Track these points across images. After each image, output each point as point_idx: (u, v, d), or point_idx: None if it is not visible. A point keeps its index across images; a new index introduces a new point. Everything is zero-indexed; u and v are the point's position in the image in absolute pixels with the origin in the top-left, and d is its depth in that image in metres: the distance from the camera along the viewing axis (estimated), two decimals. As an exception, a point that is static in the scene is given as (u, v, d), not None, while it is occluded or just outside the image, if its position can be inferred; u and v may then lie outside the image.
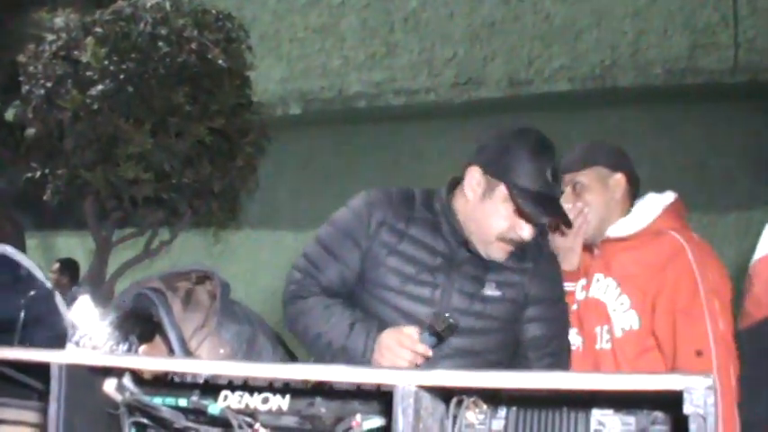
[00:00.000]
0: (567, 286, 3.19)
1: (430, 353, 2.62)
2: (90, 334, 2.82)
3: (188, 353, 2.92)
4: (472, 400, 1.56)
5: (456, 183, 2.93)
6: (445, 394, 1.55)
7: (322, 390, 1.72)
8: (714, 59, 9.91)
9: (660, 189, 9.15)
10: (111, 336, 2.83)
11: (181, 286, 3.05)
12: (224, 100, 8.13)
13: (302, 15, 11.70)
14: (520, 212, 2.74)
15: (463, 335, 2.74)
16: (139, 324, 2.91)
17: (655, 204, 3.22)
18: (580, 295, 3.20)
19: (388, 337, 2.64)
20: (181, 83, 7.84)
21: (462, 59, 10.90)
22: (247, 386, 1.81)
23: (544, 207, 2.72)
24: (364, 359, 2.64)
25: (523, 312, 2.90)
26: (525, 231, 2.76)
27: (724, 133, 9.76)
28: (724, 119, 9.77)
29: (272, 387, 1.78)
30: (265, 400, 1.77)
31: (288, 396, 1.76)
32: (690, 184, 9.85)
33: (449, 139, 10.76)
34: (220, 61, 8.11)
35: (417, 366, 2.60)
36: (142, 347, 2.84)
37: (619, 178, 3.25)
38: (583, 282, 3.21)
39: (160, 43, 7.86)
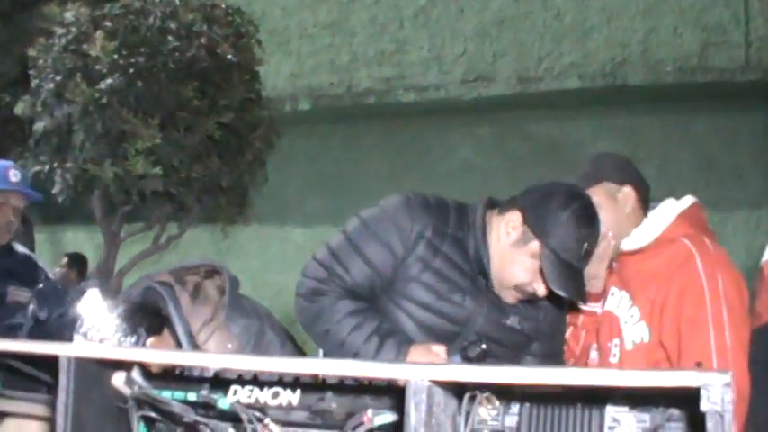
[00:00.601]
0: (590, 307, 3.18)
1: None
2: (97, 326, 2.81)
3: (196, 346, 2.91)
4: (485, 395, 1.55)
5: (492, 204, 2.91)
6: (458, 389, 1.53)
7: (332, 385, 1.71)
8: (725, 58, 9.89)
9: (670, 186, 9.15)
10: (119, 328, 2.82)
11: (189, 280, 3.05)
12: (233, 95, 8.12)
13: (312, 11, 11.70)
14: (543, 273, 2.72)
15: None
16: (148, 317, 2.90)
17: (668, 212, 3.16)
18: (600, 311, 3.18)
19: (417, 357, 2.61)
20: (190, 77, 7.83)
21: (472, 56, 10.88)
22: (257, 381, 1.79)
23: (567, 279, 2.71)
24: None
25: (529, 344, 2.91)
26: (540, 290, 2.75)
27: (734, 131, 9.74)
28: (734, 117, 9.74)
29: (282, 382, 1.77)
30: (275, 395, 1.76)
31: (298, 391, 1.75)
32: (700, 181, 9.84)
33: (458, 135, 10.75)
34: (229, 56, 8.10)
35: None
36: (150, 340, 2.84)
37: (627, 192, 3.17)
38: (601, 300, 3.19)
39: (169, 38, 7.85)
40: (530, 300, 2.87)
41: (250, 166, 8.56)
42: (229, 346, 2.99)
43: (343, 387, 1.70)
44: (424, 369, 1.47)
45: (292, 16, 11.78)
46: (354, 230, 2.82)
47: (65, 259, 9.57)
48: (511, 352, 2.87)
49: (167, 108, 7.75)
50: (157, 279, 3.04)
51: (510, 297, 2.80)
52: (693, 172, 9.95)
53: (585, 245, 2.74)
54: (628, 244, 3.13)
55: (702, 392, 1.29)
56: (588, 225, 2.76)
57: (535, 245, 2.72)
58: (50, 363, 1.84)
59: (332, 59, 11.51)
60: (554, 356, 3.00)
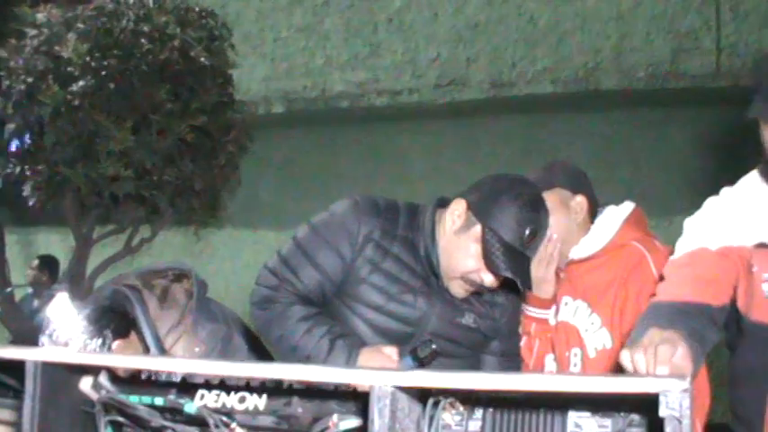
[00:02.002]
0: (541, 314, 3.19)
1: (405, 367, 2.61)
2: (64, 329, 2.81)
3: (163, 351, 2.92)
4: (449, 401, 1.56)
5: (443, 203, 2.92)
6: (422, 395, 1.55)
7: (299, 389, 1.72)
8: (696, 64, 9.96)
9: (642, 190, 9.23)
10: (85, 330, 2.82)
11: (157, 284, 3.05)
12: (206, 98, 8.10)
13: (286, 14, 11.68)
14: (486, 257, 2.71)
15: None
16: (115, 319, 2.90)
17: (614, 218, 3.20)
18: (552, 321, 3.20)
19: (368, 358, 2.60)
20: (163, 80, 7.80)
21: (446, 61, 10.90)
22: (224, 385, 1.80)
23: (510, 261, 2.68)
24: None
25: (487, 343, 2.91)
26: (487, 279, 2.73)
27: (706, 136, 9.80)
28: (706, 122, 9.81)
29: (249, 386, 1.78)
30: (242, 400, 1.77)
31: (265, 395, 1.75)
32: (672, 186, 9.91)
33: (431, 139, 10.77)
34: (203, 59, 8.07)
35: None
36: (117, 343, 2.84)
37: (580, 200, 3.22)
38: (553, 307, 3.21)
39: (142, 40, 7.82)
40: (487, 299, 2.87)
41: (223, 170, 8.54)
42: (197, 350, 3.00)
43: (309, 392, 1.71)
44: (388, 375, 1.49)
45: (266, 19, 11.76)
46: (304, 237, 2.84)
47: (36, 262, 9.52)
48: (469, 351, 2.87)
49: (140, 110, 7.72)
50: (125, 282, 3.04)
51: (459, 289, 2.78)
52: (666, 177, 10.01)
53: (529, 229, 2.71)
54: (578, 252, 3.16)
55: (661, 398, 1.32)
56: (532, 209, 2.75)
57: (478, 228, 2.71)
58: (17, 367, 1.84)
59: (306, 63, 11.49)
60: (514, 355, 3.02)
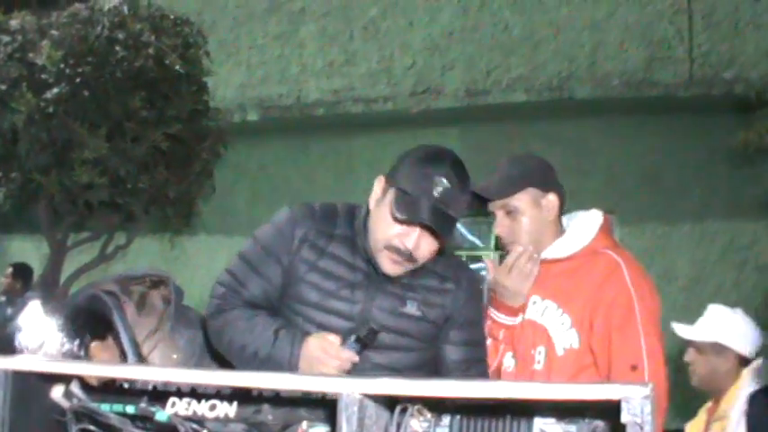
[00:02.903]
0: (509, 321, 3.22)
1: (356, 358, 2.60)
2: (38, 330, 2.81)
3: (140, 356, 2.92)
4: (416, 408, 1.58)
5: None
6: (389, 402, 1.56)
7: (269, 397, 1.73)
8: (669, 73, 10.03)
9: (616, 198, 9.24)
10: (62, 329, 2.82)
11: (135, 290, 3.05)
12: (181, 106, 8.09)
13: (262, 22, 11.68)
14: (393, 213, 2.71)
15: (383, 351, 2.74)
16: (92, 321, 2.91)
17: (590, 224, 3.24)
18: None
19: (313, 347, 2.60)
20: (137, 88, 7.80)
21: (421, 68, 10.93)
22: (195, 393, 1.81)
23: (416, 210, 2.66)
24: (290, 367, 2.59)
25: (445, 334, 2.90)
26: (409, 240, 2.71)
27: (679, 145, 9.87)
28: (679, 131, 9.88)
29: (219, 394, 1.78)
30: (213, 407, 1.78)
31: (235, 403, 1.76)
32: (645, 194, 9.97)
33: (406, 147, 10.72)
34: (178, 67, 8.07)
35: (348, 373, 2.59)
36: (94, 344, 2.85)
37: (552, 199, 3.21)
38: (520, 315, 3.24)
39: (117, 47, 7.80)
40: (434, 286, 2.85)
41: (197, 177, 8.54)
42: (174, 356, 3.00)
43: (278, 399, 1.72)
44: (355, 383, 1.50)
45: (242, 27, 11.75)
46: (247, 248, 2.91)
47: (9, 269, 9.46)
48: (424, 343, 2.86)
49: (114, 118, 7.71)
50: (103, 288, 3.05)
51: (387, 263, 2.75)
52: (639, 184, 10.07)
53: (435, 179, 2.68)
54: (550, 253, 3.19)
55: (623, 405, 1.34)
56: (432, 162, 2.73)
57: (391, 192, 2.73)
58: (-13, 376, 1.84)
59: (281, 70, 11.49)
60: (476, 345, 2.98)
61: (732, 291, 9.56)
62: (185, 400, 1.81)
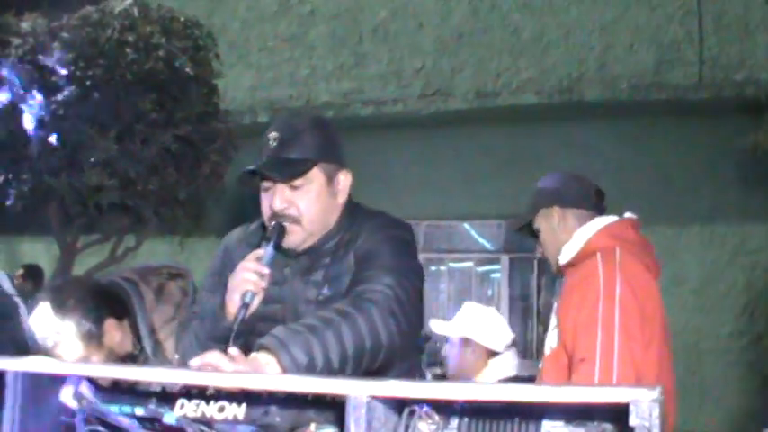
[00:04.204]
0: None
1: (261, 252, 2.60)
2: (47, 336, 2.83)
3: (157, 343, 2.96)
4: (425, 410, 1.58)
5: None
6: (398, 404, 1.56)
7: (277, 399, 1.73)
8: (679, 75, 10.02)
9: (626, 200, 9.23)
10: (79, 304, 2.85)
11: (153, 279, 3.11)
12: (191, 108, 8.12)
13: (271, 24, 11.70)
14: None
15: None
16: (109, 302, 2.94)
17: (589, 228, 3.40)
18: None
19: (235, 276, 2.59)
20: (147, 90, 7.82)
21: (430, 71, 10.94)
22: (204, 394, 1.81)
23: (257, 161, 2.74)
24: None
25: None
26: (274, 201, 2.72)
27: (688, 147, 9.86)
28: (688, 133, 9.87)
29: (228, 395, 1.79)
30: (221, 409, 1.78)
31: (244, 404, 1.77)
32: (655, 196, 9.95)
33: (416, 149, 10.78)
34: (188, 69, 8.09)
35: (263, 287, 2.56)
36: (109, 320, 2.88)
37: (555, 211, 3.50)
38: None
39: (127, 50, 7.83)
40: (338, 251, 2.79)
41: (207, 179, 8.56)
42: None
43: (287, 401, 1.72)
44: (364, 384, 1.51)
45: (252, 29, 11.77)
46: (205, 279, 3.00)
47: (20, 270, 9.50)
48: None
49: (124, 120, 7.73)
50: (122, 276, 3.09)
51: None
52: (648, 187, 10.05)
53: (269, 135, 2.74)
54: (561, 258, 3.35)
55: (631, 408, 1.34)
56: (271, 129, 2.79)
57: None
58: (-3, 377, 1.84)
59: (291, 73, 11.51)
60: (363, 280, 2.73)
61: (742, 293, 9.54)
62: (194, 401, 1.81)
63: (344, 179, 2.84)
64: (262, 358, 2.14)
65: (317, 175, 2.74)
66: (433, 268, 10.93)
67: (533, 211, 3.55)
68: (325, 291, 2.72)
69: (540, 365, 3.40)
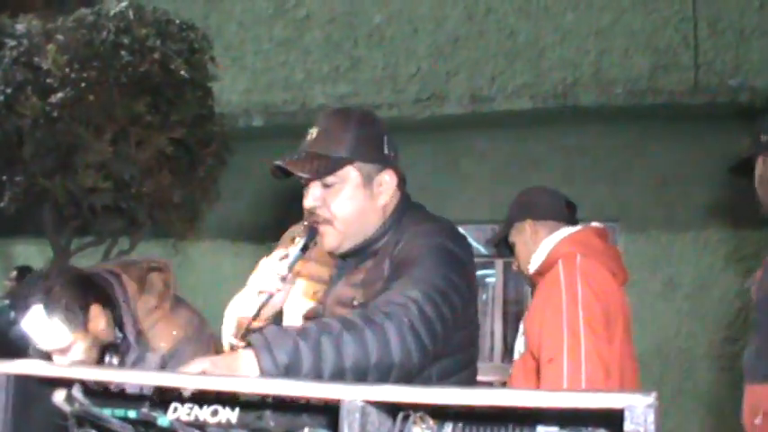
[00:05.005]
0: None
1: (290, 258, 2.58)
2: (41, 337, 2.84)
3: (140, 331, 2.97)
4: (419, 415, 1.57)
5: None
6: (392, 409, 1.56)
7: (271, 403, 1.72)
8: (674, 80, 10.02)
9: (620, 206, 9.23)
10: (66, 290, 2.86)
11: (135, 271, 3.13)
12: (186, 110, 8.11)
13: (267, 28, 11.70)
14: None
15: None
16: (94, 290, 2.95)
17: (553, 238, 3.59)
18: None
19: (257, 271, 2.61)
20: (142, 92, 7.81)
21: (425, 75, 10.94)
22: (197, 398, 1.81)
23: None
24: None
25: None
26: (306, 200, 2.67)
27: (683, 153, 9.87)
28: (684, 138, 9.88)
29: (221, 399, 1.78)
30: (215, 413, 1.77)
31: (237, 409, 1.76)
32: (650, 201, 9.97)
33: (411, 153, 10.76)
34: (183, 72, 8.08)
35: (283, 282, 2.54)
36: (95, 306, 2.89)
37: (527, 224, 3.68)
38: None
39: (122, 52, 7.82)
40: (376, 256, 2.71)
41: (202, 182, 8.56)
42: (174, 333, 3.08)
43: (281, 405, 1.72)
44: (358, 389, 1.50)
45: (247, 32, 11.77)
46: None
47: (14, 272, 9.49)
48: None
49: (119, 122, 7.72)
50: (105, 268, 3.12)
51: (319, 238, 2.70)
52: (643, 192, 10.07)
53: (308, 132, 2.70)
54: (530, 267, 3.51)
55: (626, 413, 1.34)
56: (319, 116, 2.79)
57: None
58: (-11, 380, 1.84)
59: (286, 76, 11.50)
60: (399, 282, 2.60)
61: (736, 299, 9.54)
62: (187, 405, 1.81)
63: (389, 180, 2.73)
64: (243, 356, 2.08)
65: (351, 173, 2.65)
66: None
67: (508, 226, 3.72)
68: (359, 296, 2.60)
69: (510, 371, 3.51)
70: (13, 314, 2.95)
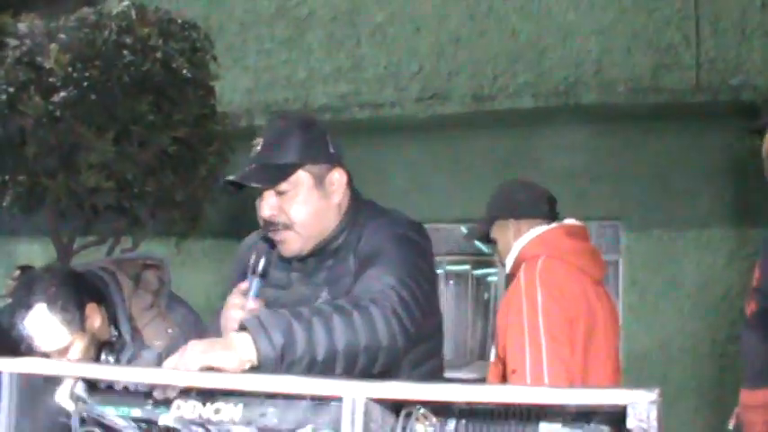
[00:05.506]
0: None
1: (244, 285, 2.57)
2: (43, 336, 2.83)
3: (135, 330, 2.97)
4: (422, 412, 1.58)
5: None
6: (395, 406, 1.56)
7: (275, 400, 1.73)
8: (676, 79, 10.03)
9: (622, 205, 9.21)
10: (61, 288, 2.85)
11: (130, 268, 3.12)
12: (188, 110, 8.11)
13: (269, 27, 11.71)
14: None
15: None
16: (89, 287, 2.95)
17: (522, 239, 3.57)
18: None
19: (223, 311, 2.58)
20: (145, 92, 7.81)
21: (428, 74, 10.94)
22: (200, 395, 1.81)
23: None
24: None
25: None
26: (262, 209, 2.69)
27: (685, 151, 9.87)
28: (686, 137, 9.88)
29: (224, 396, 1.79)
30: (218, 411, 1.78)
31: (240, 406, 1.76)
32: (651, 200, 9.97)
33: (413, 152, 10.79)
34: (185, 71, 8.08)
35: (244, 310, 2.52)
36: (90, 304, 2.88)
37: (510, 223, 3.64)
38: None
39: (124, 51, 7.81)
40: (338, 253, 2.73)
41: (204, 181, 8.55)
42: (169, 331, 3.07)
43: (284, 402, 1.72)
44: (361, 386, 1.50)
45: (249, 31, 11.78)
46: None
47: (16, 272, 9.47)
48: None
49: (121, 122, 7.72)
50: (99, 265, 3.10)
51: (278, 244, 2.71)
52: (645, 191, 10.07)
53: (255, 142, 2.69)
54: (506, 269, 3.63)
55: (629, 410, 1.34)
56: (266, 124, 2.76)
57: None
58: (-7, 378, 1.84)
59: (288, 75, 11.51)
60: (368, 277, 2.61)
61: (738, 297, 9.54)
62: (190, 402, 1.81)
63: (339, 177, 2.75)
64: (237, 338, 2.04)
65: (303, 177, 2.67)
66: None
67: (489, 222, 3.68)
68: (324, 294, 2.63)
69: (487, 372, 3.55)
70: (11, 310, 2.95)
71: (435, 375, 2.75)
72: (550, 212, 3.64)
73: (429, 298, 2.51)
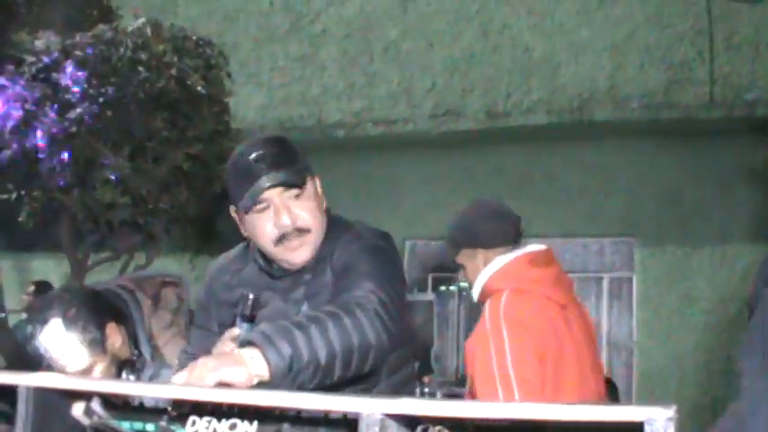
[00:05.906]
0: None
1: (237, 330, 2.53)
2: (59, 351, 2.83)
3: (155, 348, 2.96)
4: (437, 428, 1.58)
5: None
6: (411, 422, 1.56)
7: (289, 416, 1.73)
8: (690, 94, 10.02)
9: (636, 221, 9.17)
10: (82, 309, 2.84)
11: (149, 287, 3.11)
12: (202, 126, 8.14)
13: (283, 44, 11.75)
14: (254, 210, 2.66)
15: None
16: (109, 307, 2.94)
17: (486, 271, 3.50)
18: None
19: (213, 360, 2.58)
20: (159, 108, 7.85)
21: (441, 90, 10.96)
22: (215, 411, 1.81)
23: (255, 189, 2.59)
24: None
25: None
26: (283, 217, 2.60)
27: (699, 167, 9.85)
28: (699, 153, 9.86)
29: (240, 413, 1.79)
30: (233, 426, 1.77)
31: (256, 422, 1.76)
32: (666, 216, 9.95)
33: (426, 169, 10.80)
34: (200, 87, 8.12)
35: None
36: (111, 324, 2.87)
37: (479, 252, 3.56)
38: None
39: (140, 68, 7.86)
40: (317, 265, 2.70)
41: (218, 198, 8.57)
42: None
43: (299, 419, 1.72)
44: (377, 403, 1.50)
45: (263, 48, 11.82)
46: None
47: (31, 287, 9.50)
48: None
49: (136, 138, 7.76)
50: (117, 284, 3.10)
51: (290, 255, 2.64)
52: (659, 206, 10.05)
53: (250, 158, 2.60)
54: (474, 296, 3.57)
55: (646, 427, 1.33)
56: (245, 153, 2.64)
57: (239, 209, 2.70)
58: (9, 393, 1.84)
59: (302, 92, 11.55)
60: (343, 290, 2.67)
61: (753, 314, 9.50)
62: (205, 418, 1.81)
63: (319, 186, 2.76)
64: (246, 354, 2.08)
65: (310, 183, 2.69)
66: (443, 288, 10.91)
67: (456, 250, 3.63)
68: (305, 308, 2.62)
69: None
70: (30, 328, 2.94)
71: (410, 382, 2.84)
72: (515, 235, 3.59)
73: (402, 301, 2.62)
